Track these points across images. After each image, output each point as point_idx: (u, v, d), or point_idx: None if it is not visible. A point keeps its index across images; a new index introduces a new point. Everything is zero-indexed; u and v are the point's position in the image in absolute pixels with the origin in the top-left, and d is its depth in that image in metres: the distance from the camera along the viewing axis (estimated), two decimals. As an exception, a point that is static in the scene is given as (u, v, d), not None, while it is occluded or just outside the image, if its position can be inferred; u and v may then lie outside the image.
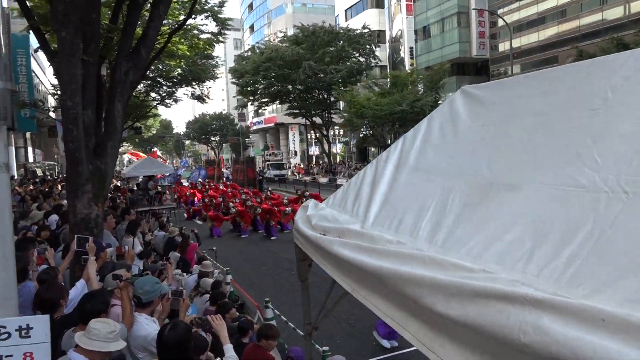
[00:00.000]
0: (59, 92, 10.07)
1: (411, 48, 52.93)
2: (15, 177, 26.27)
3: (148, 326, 4.19)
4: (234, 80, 51.82)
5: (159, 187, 23.36)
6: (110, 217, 8.26)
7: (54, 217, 9.70)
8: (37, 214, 10.63)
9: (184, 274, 9.24)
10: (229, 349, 3.70)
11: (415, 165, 2.42)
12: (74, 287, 4.93)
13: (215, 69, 29.97)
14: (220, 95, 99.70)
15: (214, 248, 12.86)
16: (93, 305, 3.75)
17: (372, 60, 48.41)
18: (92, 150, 6.37)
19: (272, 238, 18.11)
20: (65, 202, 9.87)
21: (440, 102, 40.03)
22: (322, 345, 6.41)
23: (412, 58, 52.71)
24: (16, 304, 2.87)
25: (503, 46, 45.84)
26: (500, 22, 42.82)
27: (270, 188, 32.99)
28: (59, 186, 18.65)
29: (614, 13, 36.29)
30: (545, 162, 1.73)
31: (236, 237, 19.12)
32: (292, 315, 8.72)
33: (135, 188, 23.34)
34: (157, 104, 32.66)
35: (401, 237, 1.88)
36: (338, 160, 62.37)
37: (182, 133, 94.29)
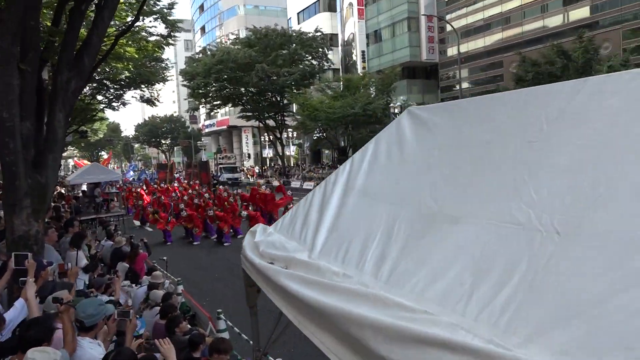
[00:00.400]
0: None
1: (363, 52, 53.67)
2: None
3: (92, 350, 4.03)
4: (184, 82, 50.86)
5: (106, 194, 22.57)
6: (51, 230, 7.89)
7: (-9, 232, 9.15)
8: (-28, 228, 10.01)
9: (133, 285, 8.96)
10: (178, 374, 3.61)
11: (363, 190, 2.43)
12: (12, 307, 4.68)
13: (165, 71, 29.33)
14: (171, 98, 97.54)
15: (165, 258, 12.54)
16: (36, 332, 3.57)
17: (325, 64, 48.75)
18: (31, 163, 6.06)
19: (225, 244, 17.85)
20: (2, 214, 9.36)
21: (391, 105, 40.80)
22: (276, 356, 6.35)
23: (364, 61, 53.46)
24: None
25: (451, 51, 47.21)
26: (449, 28, 44.07)
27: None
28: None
29: (554, 21, 38.13)
30: (485, 195, 1.78)
31: (188, 244, 18.73)
32: (245, 326, 8.58)
33: (80, 195, 22.44)
34: (104, 107, 31.63)
35: (347, 268, 1.88)
36: (292, 162, 62.34)
37: (131, 136, 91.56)
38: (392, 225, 1.98)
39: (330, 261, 2.00)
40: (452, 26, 33.65)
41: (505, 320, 1.25)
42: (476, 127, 2.23)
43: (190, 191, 23.20)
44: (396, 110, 41.25)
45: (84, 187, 23.73)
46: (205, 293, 11.63)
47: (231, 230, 18.91)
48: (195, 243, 18.56)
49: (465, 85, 45.76)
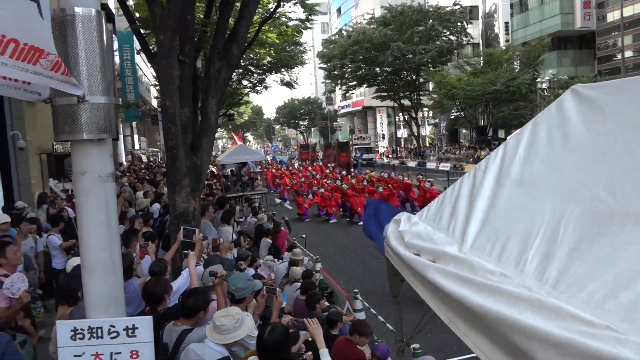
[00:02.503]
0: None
1: (506, 23, 49.89)
2: (124, 164, 28.57)
3: (243, 322, 4.34)
4: (321, 65, 52.09)
5: (251, 173, 24.20)
6: (210, 207, 8.68)
7: (157, 206, 10.35)
8: (144, 202, 11.40)
9: (275, 260, 9.50)
10: (324, 354, 3.74)
11: (519, 179, 2.20)
12: (180, 276, 5.22)
13: (303, 54, 30.33)
14: (308, 80, 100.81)
15: (304, 236, 13.11)
16: (195, 301, 3.98)
17: (464, 39, 46.30)
18: (189, 146, 6.68)
19: (360, 224, 18.11)
20: (166, 190, 10.52)
21: (538, 80, 37.51)
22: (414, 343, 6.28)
23: (507, 34, 49.75)
24: (123, 304, 3.07)
25: (612, 16, 41.73)
26: (610, -11, 38.95)
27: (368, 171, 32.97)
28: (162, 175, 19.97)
29: None
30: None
31: (324, 221, 19.37)
32: (381, 306, 8.66)
33: (229, 174, 24.34)
34: (249, 91, 33.81)
35: (505, 268, 1.71)
36: (427, 143, 60.87)
37: (272, 118, 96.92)
38: (558, 221, 1.75)
39: (484, 258, 1.84)
40: (614, -13, 29.64)
41: None
42: (664, 108, 1.88)
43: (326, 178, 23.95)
44: (544, 86, 37.88)
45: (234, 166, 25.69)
46: (341, 271, 11.95)
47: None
48: (331, 221, 19.12)
49: (628, 54, 40.22)
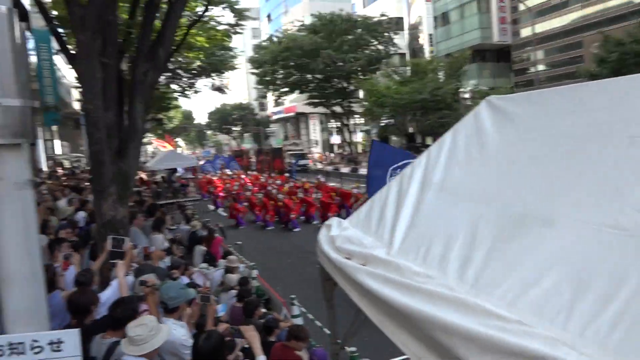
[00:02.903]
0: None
1: (430, 35, 52.21)
2: (44, 170, 26.78)
3: (175, 331, 4.23)
4: (252, 70, 51.80)
5: (183, 180, 23.55)
6: (140, 215, 8.38)
7: (82, 214, 9.83)
8: (67, 210, 10.76)
9: (211, 267, 9.31)
10: (262, 360, 3.73)
11: (441, 185, 2.33)
12: (109, 286, 4.98)
13: (233, 59, 29.93)
14: (240, 85, 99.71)
15: (240, 242, 12.92)
16: (122, 311, 3.83)
17: (391, 48, 47.87)
18: (114, 152, 6.42)
19: (295, 230, 18.13)
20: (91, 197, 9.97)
21: (461, 90, 39.41)
22: (350, 345, 6.35)
23: (431, 45, 52.01)
24: (47, 317, 2.92)
25: (525, 32, 44.78)
26: (522, 7, 41.83)
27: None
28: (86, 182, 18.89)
29: (642, -5, 35.22)
30: (582, 196, 1.64)
31: (260, 228, 19.20)
32: (318, 312, 8.70)
33: (160, 180, 23.57)
34: (179, 95, 32.89)
35: (429, 269, 1.81)
36: (360, 149, 62.02)
37: (204, 123, 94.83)
38: (475, 226, 1.87)
39: (410, 260, 1.94)
40: (525, 5, 31.79)
41: (615, 339, 1.13)
42: (566, 119, 2.06)
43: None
44: (466, 96, 39.84)
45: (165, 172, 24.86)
46: (278, 278, 11.86)
47: (302, 216, 19.30)
48: (268, 228, 19.00)
49: (540, 67, 43.30)
